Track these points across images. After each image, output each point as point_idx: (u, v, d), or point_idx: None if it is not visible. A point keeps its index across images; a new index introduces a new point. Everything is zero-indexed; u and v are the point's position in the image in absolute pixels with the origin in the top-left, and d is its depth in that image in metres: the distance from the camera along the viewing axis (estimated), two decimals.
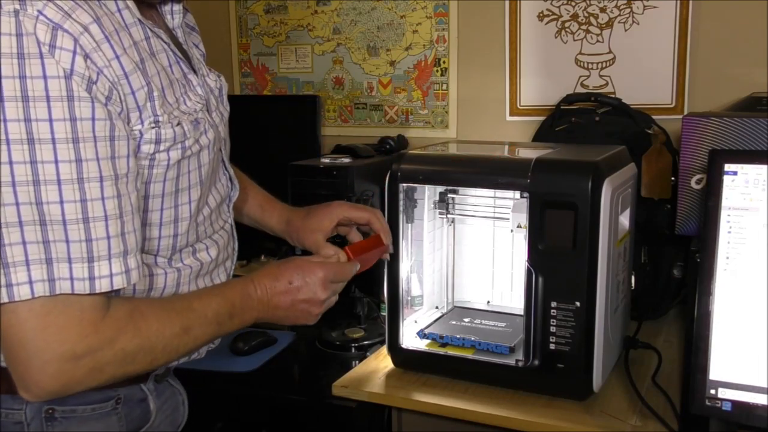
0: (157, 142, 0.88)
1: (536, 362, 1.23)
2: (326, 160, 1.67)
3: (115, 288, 0.82)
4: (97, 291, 0.81)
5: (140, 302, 0.90)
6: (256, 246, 1.96)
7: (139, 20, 0.90)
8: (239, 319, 0.99)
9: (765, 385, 1.01)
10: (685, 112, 1.69)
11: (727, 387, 1.04)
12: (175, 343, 0.90)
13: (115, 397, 0.97)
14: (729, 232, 1.04)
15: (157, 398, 1.04)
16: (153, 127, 0.87)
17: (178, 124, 0.91)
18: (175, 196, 0.95)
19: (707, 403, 1.05)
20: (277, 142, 1.97)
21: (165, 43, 0.94)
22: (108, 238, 0.81)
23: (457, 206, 1.44)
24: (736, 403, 1.03)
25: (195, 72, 1.01)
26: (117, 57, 0.82)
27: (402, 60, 2.03)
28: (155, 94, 0.87)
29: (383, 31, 2.04)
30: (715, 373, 1.04)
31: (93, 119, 0.79)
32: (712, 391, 1.04)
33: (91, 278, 0.80)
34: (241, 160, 2.12)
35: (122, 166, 0.83)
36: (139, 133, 0.86)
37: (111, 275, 0.82)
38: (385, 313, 1.39)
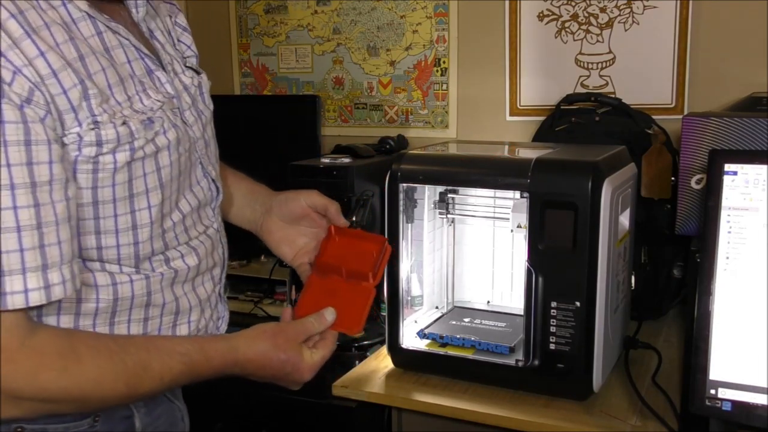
0: (99, 144, 0.82)
1: (536, 362, 1.23)
2: (326, 160, 1.67)
3: (32, 305, 0.76)
4: (10, 307, 0.75)
5: (82, 342, 0.82)
6: (256, 246, 1.96)
7: (89, 14, 0.85)
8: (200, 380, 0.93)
9: (765, 385, 1.01)
10: (685, 112, 1.69)
11: (727, 387, 1.04)
12: (114, 398, 0.83)
13: (92, 414, 0.91)
14: (729, 232, 1.04)
15: (146, 415, 0.98)
16: (92, 129, 0.81)
17: (124, 123, 0.84)
18: (130, 202, 0.88)
19: (707, 403, 1.05)
20: (277, 142, 1.97)
21: (124, 38, 0.89)
22: (21, 251, 0.75)
23: (457, 206, 1.44)
24: (736, 403, 1.03)
25: (164, 69, 0.95)
26: (41, 54, 0.77)
27: (402, 60, 2.03)
28: (92, 92, 0.81)
29: (383, 31, 2.04)
30: (715, 373, 1.04)
31: (2, 122, 0.73)
32: (712, 391, 1.04)
33: (2, 294, 0.74)
34: (241, 160, 2.12)
35: (42, 173, 0.76)
36: (77, 136, 0.80)
37: (26, 291, 0.75)
38: (385, 313, 1.39)
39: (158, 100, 0.91)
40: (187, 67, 1.04)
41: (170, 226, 0.95)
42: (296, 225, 1.17)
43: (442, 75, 2.00)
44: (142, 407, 0.98)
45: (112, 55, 0.87)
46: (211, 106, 1.08)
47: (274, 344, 0.95)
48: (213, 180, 1.05)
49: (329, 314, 1.04)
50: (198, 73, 1.07)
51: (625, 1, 1.78)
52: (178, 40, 1.07)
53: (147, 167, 0.88)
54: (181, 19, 1.10)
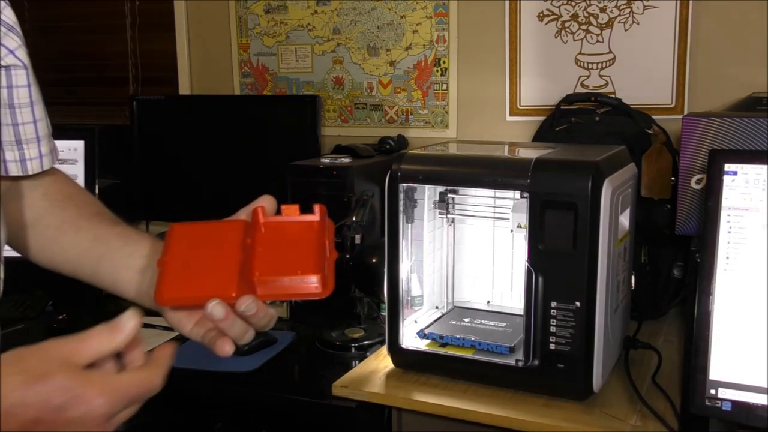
0: None
1: (536, 362, 1.23)
2: (326, 160, 1.67)
3: None
4: None
5: None
6: None
7: None
8: None
9: (765, 385, 1.01)
10: (685, 112, 1.69)
11: (727, 387, 1.04)
12: None
13: None
14: (729, 232, 1.04)
15: None
16: None
17: None
18: None
19: (707, 403, 1.05)
20: (277, 142, 1.97)
21: None
22: None
23: (457, 206, 1.44)
24: (736, 403, 1.03)
25: None
26: None
27: (402, 60, 2.03)
28: None
29: (383, 31, 2.04)
30: (715, 373, 1.04)
31: None
32: (712, 391, 1.04)
33: None
34: (241, 160, 2.13)
35: None
36: None
37: None
38: (385, 313, 1.39)
39: None
40: None
41: None
42: None
43: (442, 75, 2.00)
44: None
45: None
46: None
47: (21, 370, 0.58)
48: None
49: (129, 318, 0.63)
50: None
51: (625, 1, 1.78)
52: None
53: None
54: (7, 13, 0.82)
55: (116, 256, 0.85)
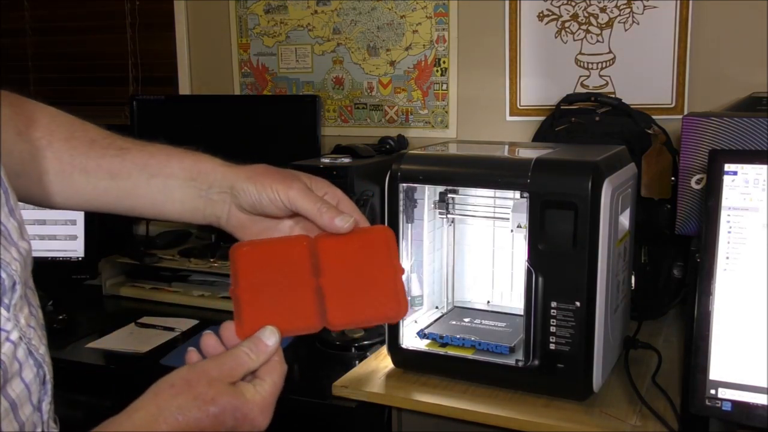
0: None
1: (536, 362, 1.23)
2: (326, 160, 1.67)
3: None
4: None
5: None
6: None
7: None
8: None
9: (765, 385, 1.01)
10: (685, 112, 1.69)
11: (727, 387, 1.04)
12: None
13: None
14: (729, 232, 1.04)
15: None
16: None
17: None
18: None
19: (707, 403, 1.05)
20: (277, 142, 1.97)
21: None
22: None
23: (457, 206, 1.44)
24: (736, 403, 1.03)
25: None
26: None
27: (402, 60, 2.03)
28: None
29: (383, 31, 2.04)
30: (715, 373, 1.04)
31: None
32: (712, 391, 1.04)
33: None
34: (241, 161, 2.12)
35: None
36: None
37: None
38: None
39: None
40: None
41: None
42: (279, 219, 0.81)
43: (442, 75, 2.00)
44: None
45: None
46: None
47: (194, 397, 0.65)
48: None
49: (269, 337, 0.73)
50: None
51: (625, 1, 1.78)
52: None
53: None
54: None
55: (148, 192, 0.80)
